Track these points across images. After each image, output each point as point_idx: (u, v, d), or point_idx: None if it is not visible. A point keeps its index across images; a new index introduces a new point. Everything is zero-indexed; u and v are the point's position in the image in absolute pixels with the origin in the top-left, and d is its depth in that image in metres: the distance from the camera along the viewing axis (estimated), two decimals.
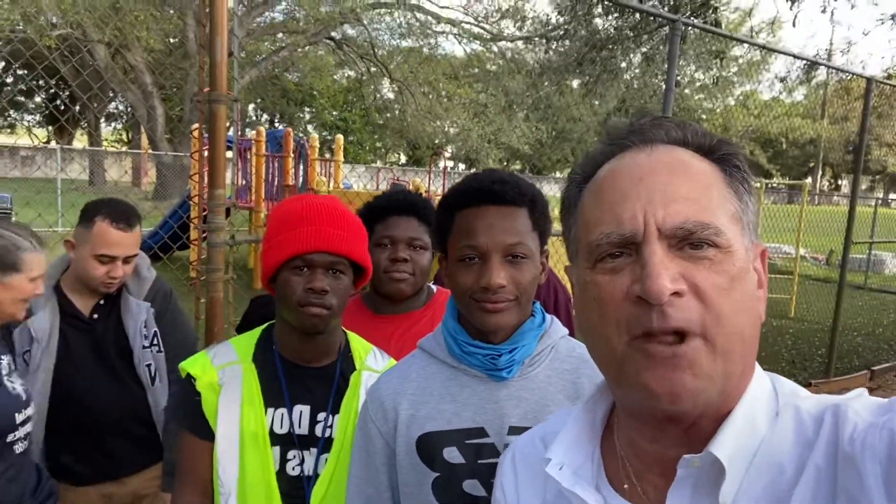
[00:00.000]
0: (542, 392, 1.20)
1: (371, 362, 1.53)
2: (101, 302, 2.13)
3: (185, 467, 1.44)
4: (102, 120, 31.55)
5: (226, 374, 1.42)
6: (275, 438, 1.40)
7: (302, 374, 1.45)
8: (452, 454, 1.17)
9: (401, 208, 1.81)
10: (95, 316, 2.13)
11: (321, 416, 1.44)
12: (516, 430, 1.17)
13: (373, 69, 22.40)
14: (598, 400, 0.79)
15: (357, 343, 1.56)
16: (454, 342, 1.22)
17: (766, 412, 0.66)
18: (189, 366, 1.44)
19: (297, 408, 1.43)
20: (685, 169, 0.66)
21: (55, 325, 2.04)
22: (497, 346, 1.19)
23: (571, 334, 1.35)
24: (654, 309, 0.60)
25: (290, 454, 1.41)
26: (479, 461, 1.17)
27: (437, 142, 23.75)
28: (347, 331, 1.57)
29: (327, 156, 10.94)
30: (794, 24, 8.11)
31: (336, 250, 1.37)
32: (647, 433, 0.69)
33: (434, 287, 1.95)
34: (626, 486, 0.71)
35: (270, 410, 1.41)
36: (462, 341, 1.21)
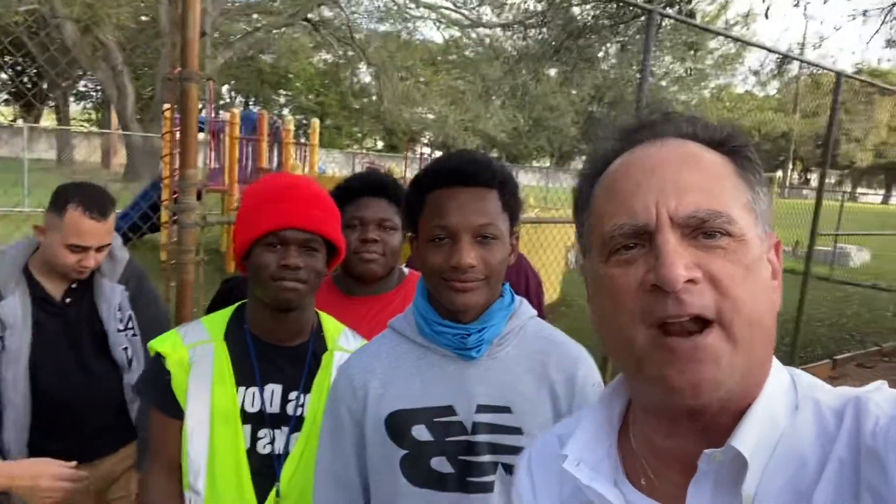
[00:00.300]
0: (509, 371, 1.23)
1: (343, 342, 1.54)
2: (74, 286, 2.06)
3: (155, 446, 1.44)
4: (71, 99, 30.79)
5: (196, 353, 1.42)
6: (246, 417, 1.40)
7: (274, 354, 1.45)
8: (421, 432, 1.19)
9: (371, 189, 1.80)
10: (68, 300, 2.06)
11: (293, 395, 1.44)
12: (484, 409, 1.20)
13: (350, 53, 22.16)
14: (615, 396, 0.78)
15: (329, 323, 1.57)
16: (424, 322, 1.24)
17: (786, 405, 0.66)
18: (159, 344, 1.44)
19: (269, 387, 1.43)
20: (696, 160, 0.66)
21: (27, 310, 1.97)
22: (466, 325, 1.20)
23: (541, 318, 1.37)
24: (669, 296, 0.60)
25: (261, 433, 1.41)
26: (447, 438, 1.19)
27: (413, 128, 23.64)
28: (319, 311, 1.57)
29: (303, 140, 10.82)
30: (766, 16, 8.21)
31: (310, 227, 1.37)
32: (664, 429, 0.68)
33: (406, 269, 1.95)
34: (644, 482, 0.71)
35: (241, 389, 1.41)
36: (432, 321, 1.22)
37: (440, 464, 1.19)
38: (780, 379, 0.68)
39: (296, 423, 1.43)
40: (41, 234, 1.99)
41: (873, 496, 0.56)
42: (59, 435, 2.04)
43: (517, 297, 1.31)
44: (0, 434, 1.96)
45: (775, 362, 0.68)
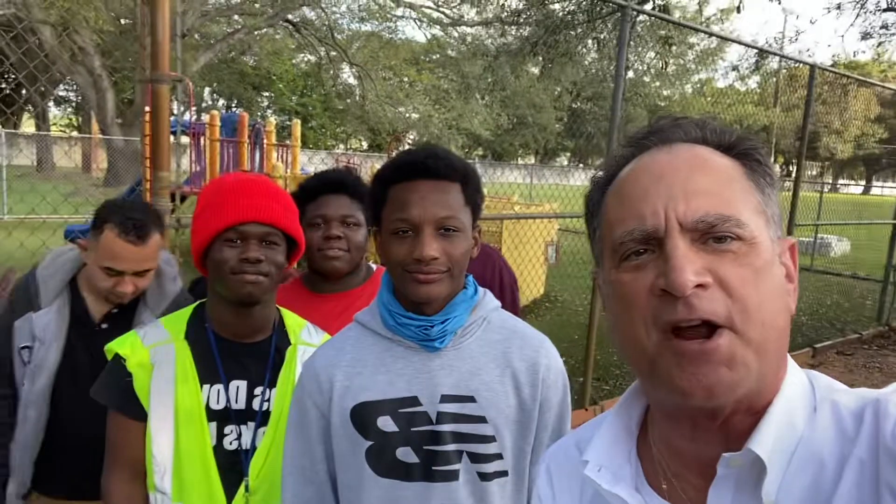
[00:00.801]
0: (473, 361, 1.24)
1: (305, 337, 1.55)
2: (115, 310, 1.89)
3: (114, 448, 1.43)
4: (51, 104, 30.47)
5: (157, 354, 1.41)
6: (211, 414, 1.41)
7: (237, 350, 1.46)
8: (386, 423, 1.21)
9: (332, 187, 1.81)
10: (105, 325, 1.88)
11: (258, 390, 1.45)
12: (448, 399, 1.22)
13: (332, 54, 22.10)
14: (633, 401, 0.78)
15: (290, 319, 1.58)
16: (388, 314, 1.25)
17: (804, 407, 0.66)
18: (117, 346, 1.43)
19: (234, 383, 1.44)
20: (705, 164, 0.66)
21: (61, 326, 1.82)
22: (430, 317, 1.22)
23: (515, 314, 1.40)
24: (678, 301, 0.60)
25: (227, 429, 1.42)
26: (411, 429, 1.21)
27: (398, 128, 23.60)
28: (280, 307, 1.58)
29: (287, 142, 10.77)
30: (738, 10, 8.27)
31: (269, 220, 1.37)
32: (683, 432, 0.68)
33: (374, 265, 1.96)
34: (665, 487, 0.71)
35: (206, 387, 1.41)
36: (396, 313, 1.24)
37: (405, 454, 1.20)
38: (798, 380, 0.68)
39: (262, 418, 1.44)
40: (83, 252, 1.86)
41: (894, 497, 0.57)
42: (66, 467, 1.89)
43: (480, 289, 1.33)
44: (9, 451, 1.83)
45: (792, 363, 0.69)
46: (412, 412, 1.21)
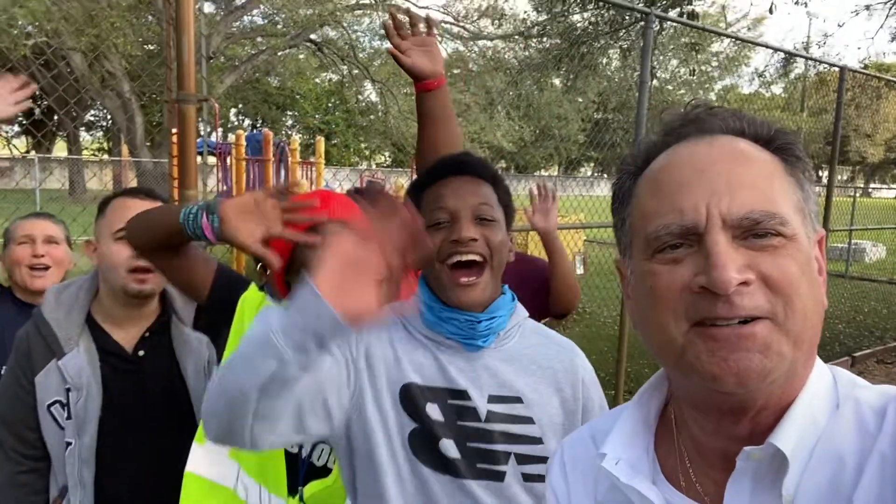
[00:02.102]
0: (516, 363, 1.24)
1: None
2: (147, 334, 1.69)
3: None
4: (82, 128, 31.24)
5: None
6: None
7: None
8: (434, 410, 1.18)
9: None
10: (141, 353, 1.67)
11: None
12: (495, 399, 1.20)
13: (354, 71, 22.35)
14: (652, 395, 0.78)
15: None
16: (429, 310, 1.23)
17: (827, 404, 0.65)
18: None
19: None
20: (747, 159, 0.65)
21: (94, 367, 1.60)
22: (476, 313, 1.21)
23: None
24: (719, 298, 0.59)
25: None
26: (458, 422, 1.18)
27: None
28: None
29: (311, 159, 10.87)
30: (770, 11, 8.18)
31: None
32: (709, 425, 0.67)
33: None
34: (683, 482, 0.70)
35: None
36: (439, 307, 1.22)
37: (447, 447, 1.17)
38: (822, 377, 0.67)
39: None
40: (93, 251, 1.70)
41: None
42: None
43: (515, 295, 1.33)
44: None
45: (818, 361, 0.68)
46: (461, 405, 1.19)
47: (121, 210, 1.61)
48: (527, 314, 1.33)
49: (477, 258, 1.18)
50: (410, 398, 1.18)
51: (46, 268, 2.18)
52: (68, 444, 1.56)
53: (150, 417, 1.64)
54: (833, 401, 0.66)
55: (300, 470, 1.41)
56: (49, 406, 1.57)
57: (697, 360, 0.61)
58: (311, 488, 1.41)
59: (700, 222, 0.61)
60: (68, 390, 1.56)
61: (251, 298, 1.44)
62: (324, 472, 1.44)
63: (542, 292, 2.32)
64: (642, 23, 4.41)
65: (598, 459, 0.74)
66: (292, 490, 1.40)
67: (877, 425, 0.61)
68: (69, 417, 1.56)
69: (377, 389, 1.18)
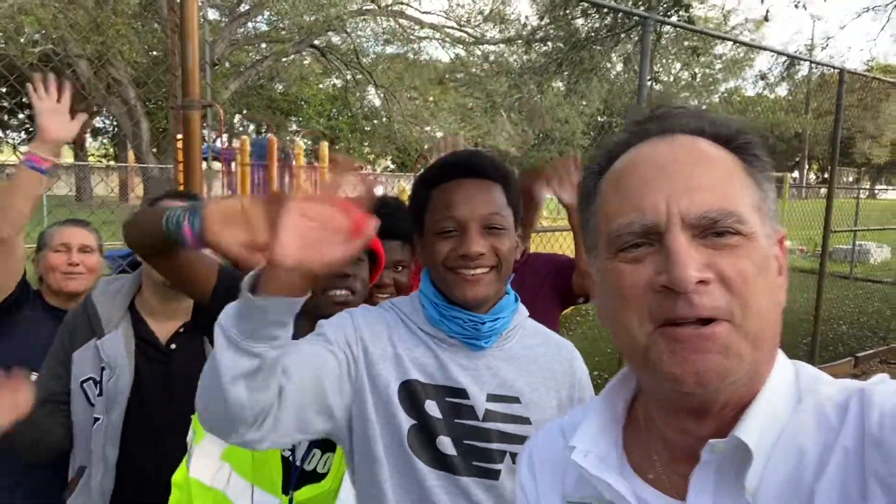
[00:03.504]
0: (516, 363, 1.26)
1: None
2: (181, 329, 1.82)
3: None
4: (87, 134, 31.37)
5: None
6: None
7: None
8: (432, 407, 1.20)
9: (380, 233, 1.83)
10: (173, 346, 1.80)
11: None
12: (493, 398, 1.22)
13: (358, 77, 22.39)
14: (620, 390, 0.79)
15: None
16: (434, 308, 1.23)
17: (788, 398, 0.66)
18: None
19: None
20: (706, 158, 0.66)
21: (130, 351, 1.74)
22: (480, 314, 1.22)
23: None
24: (679, 297, 0.60)
25: None
26: (455, 420, 1.20)
27: (425, 147, 23.75)
28: None
29: (315, 164, 10.91)
30: (765, 19, 8.20)
31: None
32: (674, 422, 0.69)
33: None
34: (650, 475, 0.71)
35: None
36: (443, 305, 1.22)
37: (444, 444, 1.19)
38: (785, 372, 0.68)
39: (324, 443, 1.43)
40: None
41: (881, 485, 0.57)
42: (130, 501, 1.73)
43: (517, 296, 1.34)
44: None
45: (780, 356, 0.69)
46: (459, 403, 1.20)
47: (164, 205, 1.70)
48: (528, 314, 1.34)
49: (484, 276, 1.19)
50: (410, 395, 1.19)
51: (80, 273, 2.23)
52: (96, 419, 1.68)
53: (173, 406, 1.71)
54: (795, 395, 0.67)
55: (292, 474, 1.42)
56: (83, 382, 1.70)
57: (659, 360, 0.62)
58: (303, 493, 1.42)
59: (661, 221, 0.63)
60: (103, 369, 1.68)
61: None
62: (315, 477, 1.45)
63: (562, 280, 2.37)
64: (640, 27, 4.45)
65: (567, 452, 0.74)
66: (284, 493, 1.41)
67: (838, 419, 0.62)
68: (100, 394, 1.68)
69: (377, 386, 1.20)
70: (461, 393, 1.21)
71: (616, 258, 0.66)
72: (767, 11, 8.14)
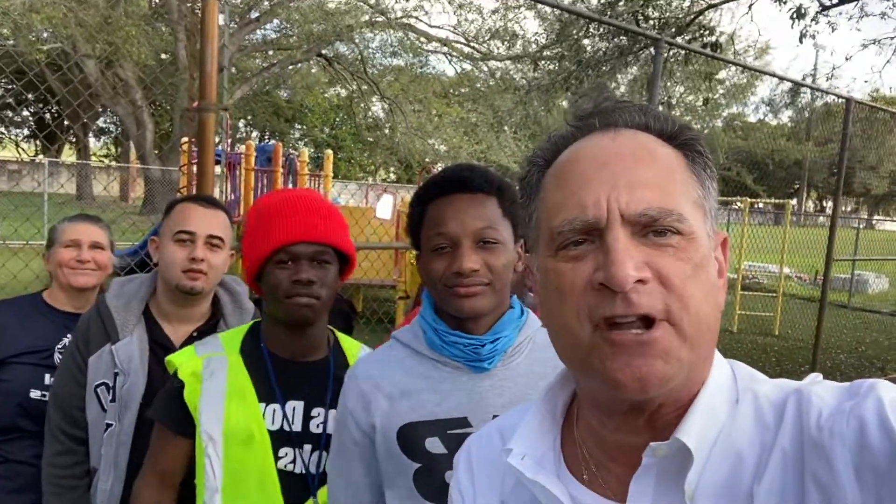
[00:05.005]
0: (524, 380, 1.22)
1: None
2: (195, 334, 1.78)
3: (151, 455, 1.44)
4: (91, 134, 31.45)
5: (210, 365, 1.40)
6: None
7: (293, 370, 1.44)
8: (434, 444, 1.18)
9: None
10: None
11: (315, 411, 1.42)
12: None
13: (364, 87, 22.52)
14: (558, 390, 0.78)
15: (346, 341, 1.57)
16: (434, 333, 1.23)
17: (726, 398, 0.66)
18: (175, 357, 1.44)
19: (290, 403, 1.41)
20: (649, 154, 0.65)
21: (144, 355, 1.70)
22: (479, 336, 1.20)
23: None
24: (617, 296, 0.59)
25: (282, 451, 1.38)
26: None
27: (427, 159, 23.83)
28: (332, 328, 1.56)
29: (319, 172, 10.95)
30: (766, 49, 8.24)
31: (318, 239, 1.36)
32: (610, 422, 0.67)
33: None
34: (586, 476, 0.70)
35: (262, 405, 1.39)
36: (443, 331, 1.21)
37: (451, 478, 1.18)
38: (722, 372, 0.68)
39: (322, 442, 1.41)
40: (155, 249, 1.81)
41: (818, 487, 0.57)
42: None
43: (526, 309, 1.31)
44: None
45: (717, 355, 0.68)
46: (462, 434, 1.17)
47: (182, 213, 1.73)
48: (539, 324, 1.30)
49: (478, 290, 1.18)
50: (408, 440, 1.19)
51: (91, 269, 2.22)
52: (108, 425, 1.66)
53: None
54: (733, 395, 0.66)
55: (312, 480, 1.40)
56: (96, 387, 1.67)
57: (602, 364, 0.61)
58: (323, 494, 1.39)
59: (601, 218, 0.62)
60: (116, 374, 1.66)
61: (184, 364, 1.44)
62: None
63: None
64: (651, 49, 4.48)
65: (503, 455, 0.73)
66: (300, 501, 1.39)
67: (775, 419, 0.62)
68: (113, 400, 1.65)
69: (379, 444, 1.21)
70: (463, 422, 1.19)
71: (556, 257, 0.65)
72: (766, 43, 8.17)
